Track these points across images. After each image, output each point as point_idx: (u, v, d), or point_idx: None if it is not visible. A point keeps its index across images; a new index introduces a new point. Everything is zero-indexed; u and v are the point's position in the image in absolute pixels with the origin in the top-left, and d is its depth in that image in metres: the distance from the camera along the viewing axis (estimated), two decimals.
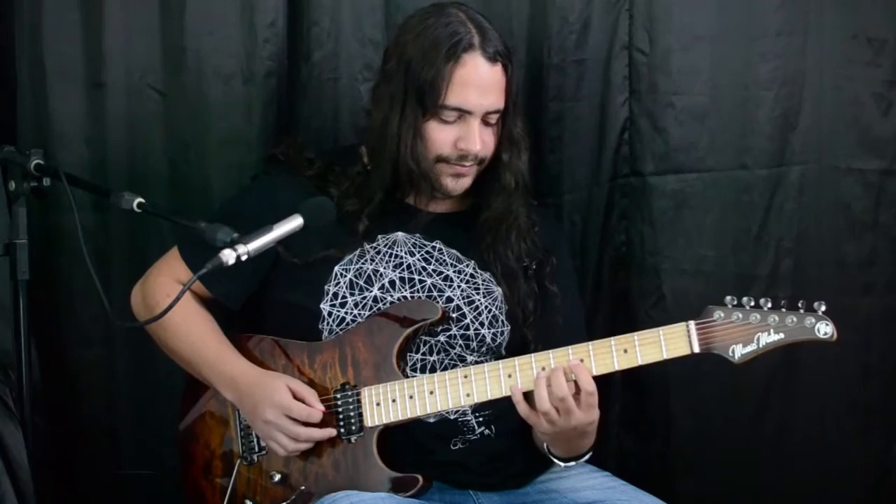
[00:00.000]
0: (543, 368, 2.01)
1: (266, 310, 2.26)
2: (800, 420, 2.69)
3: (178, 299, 1.87)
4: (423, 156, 2.16)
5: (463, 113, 2.15)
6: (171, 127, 2.57)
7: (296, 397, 2.10)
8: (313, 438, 2.11)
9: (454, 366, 2.20)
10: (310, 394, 2.11)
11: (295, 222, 1.95)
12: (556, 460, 2.15)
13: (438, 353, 2.21)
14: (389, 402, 2.12)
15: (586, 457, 2.16)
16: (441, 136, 2.16)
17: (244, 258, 1.87)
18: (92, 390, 2.64)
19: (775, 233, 2.64)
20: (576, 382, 1.98)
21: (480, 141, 2.16)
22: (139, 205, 1.98)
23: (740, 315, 2.00)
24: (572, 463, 2.15)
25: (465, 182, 2.22)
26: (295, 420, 2.09)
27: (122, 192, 2.01)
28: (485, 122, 2.18)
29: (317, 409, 2.10)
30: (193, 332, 2.21)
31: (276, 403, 2.09)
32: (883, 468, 2.71)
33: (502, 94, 2.18)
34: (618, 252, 2.70)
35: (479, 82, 2.14)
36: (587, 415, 2.00)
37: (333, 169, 2.26)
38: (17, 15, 2.49)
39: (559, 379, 1.98)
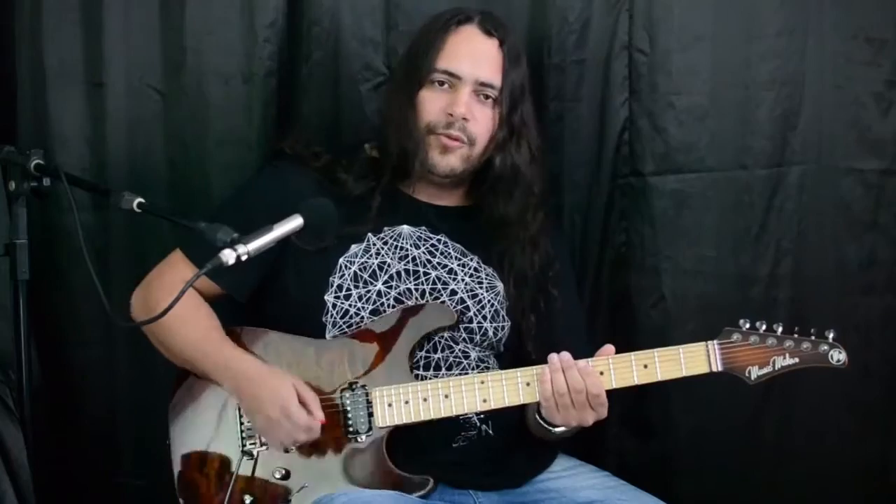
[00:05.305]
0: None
1: (270, 301, 2.25)
2: (799, 420, 2.69)
3: (179, 297, 1.85)
4: (415, 125, 2.19)
5: (454, 80, 2.18)
6: (171, 127, 2.57)
7: (300, 400, 2.10)
8: (309, 441, 2.11)
9: (458, 363, 2.21)
10: (313, 400, 2.10)
11: (295, 222, 1.95)
12: (545, 425, 2.13)
13: (443, 351, 2.21)
14: (402, 404, 2.12)
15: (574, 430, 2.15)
16: (430, 103, 2.19)
17: (244, 258, 1.87)
18: (92, 390, 2.63)
19: (775, 233, 2.65)
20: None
21: (467, 108, 2.17)
22: (139, 205, 1.97)
23: (757, 338, 2.09)
24: (562, 428, 2.14)
25: (453, 160, 2.21)
26: (293, 427, 2.09)
27: (122, 192, 2.00)
28: (480, 99, 2.20)
29: (317, 419, 2.09)
30: (195, 329, 2.18)
31: (280, 405, 2.08)
32: (882, 468, 2.71)
33: (497, 72, 2.21)
34: (618, 252, 2.70)
35: (471, 51, 2.19)
36: (598, 413, 2.06)
37: (340, 161, 2.28)
38: (17, 15, 2.49)
39: (573, 372, 2.02)
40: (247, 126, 2.57)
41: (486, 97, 2.21)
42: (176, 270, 2.23)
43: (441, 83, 2.19)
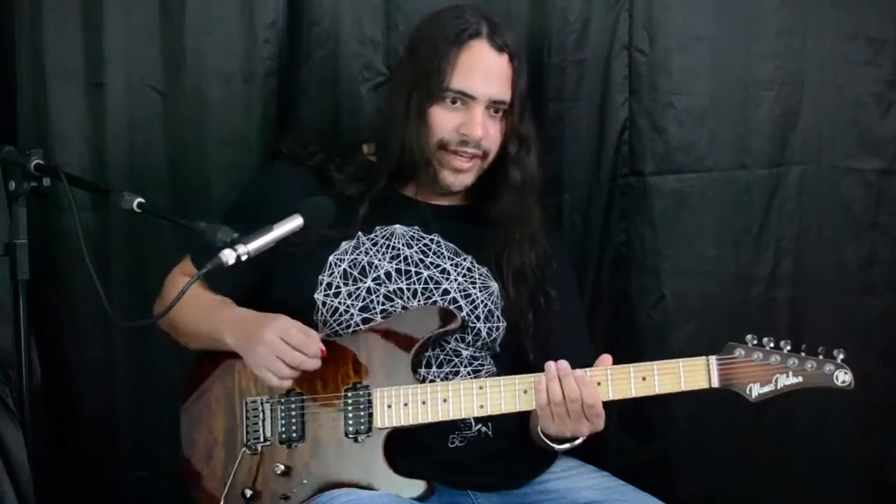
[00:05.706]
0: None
1: (262, 302, 2.24)
2: (799, 421, 2.69)
3: (178, 299, 1.87)
4: (426, 141, 2.18)
5: (467, 99, 2.17)
6: (171, 127, 2.57)
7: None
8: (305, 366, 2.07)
9: (449, 360, 2.21)
10: (310, 330, 2.08)
11: (295, 222, 1.95)
12: (548, 442, 2.12)
13: (434, 349, 2.21)
14: (401, 406, 2.12)
15: (579, 441, 2.12)
16: (443, 121, 2.18)
17: (244, 258, 1.87)
18: (92, 390, 2.63)
19: (775, 233, 2.65)
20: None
21: (483, 129, 2.17)
22: (139, 205, 1.97)
23: (760, 355, 2.03)
24: (566, 445, 2.13)
25: (465, 178, 2.23)
26: (290, 348, 2.05)
27: (122, 192, 2.00)
28: (490, 114, 2.20)
29: (313, 338, 2.06)
30: (196, 308, 2.17)
31: (278, 329, 2.05)
32: (882, 469, 2.71)
33: (508, 86, 2.20)
34: (618, 252, 2.70)
35: (484, 69, 2.17)
36: (594, 424, 2.05)
37: (334, 159, 2.28)
38: (17, 15, 2.49)
39: (569, 381, 2.00)
40: (247, 126, 2.57)
41: (497, 111, 2.21)
42: (182, 270, 2.28)
43: (453, 101, 2.18)
